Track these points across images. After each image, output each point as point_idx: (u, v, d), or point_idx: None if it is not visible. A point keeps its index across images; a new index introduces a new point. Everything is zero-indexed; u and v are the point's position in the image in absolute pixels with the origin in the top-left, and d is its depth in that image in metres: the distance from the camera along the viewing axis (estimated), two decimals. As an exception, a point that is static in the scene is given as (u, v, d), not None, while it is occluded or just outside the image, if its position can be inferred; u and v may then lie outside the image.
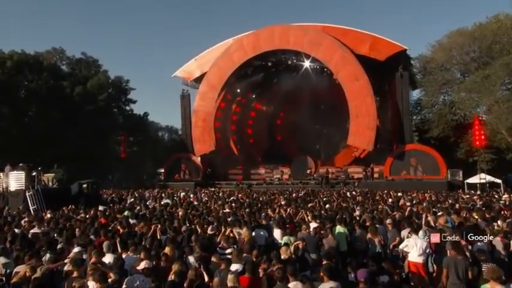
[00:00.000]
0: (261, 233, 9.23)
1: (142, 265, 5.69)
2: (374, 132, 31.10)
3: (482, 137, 30.56)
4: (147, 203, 17.32)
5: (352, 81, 31.96)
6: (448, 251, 6.96)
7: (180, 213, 12.46)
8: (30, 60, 40.41)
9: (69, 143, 38.09)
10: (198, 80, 39.11)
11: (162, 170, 47.98)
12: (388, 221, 9.50)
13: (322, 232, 8.97)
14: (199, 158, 38.62)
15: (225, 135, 40.64)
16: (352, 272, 6.14)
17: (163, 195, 23.32)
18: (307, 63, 36.12)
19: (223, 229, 8.60)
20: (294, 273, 5.41)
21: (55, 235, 8.50)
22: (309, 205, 14.84)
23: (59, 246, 7.17)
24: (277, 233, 9.58)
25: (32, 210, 15.47)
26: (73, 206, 13.88)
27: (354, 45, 32.59)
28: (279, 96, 43.51)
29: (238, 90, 41.02)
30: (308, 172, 37.82)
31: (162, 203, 16.71)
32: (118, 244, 7.09)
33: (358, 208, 13.36)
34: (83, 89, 41.37)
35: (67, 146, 37.67)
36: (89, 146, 39.06)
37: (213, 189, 31.81)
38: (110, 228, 8.69)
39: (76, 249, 6.39)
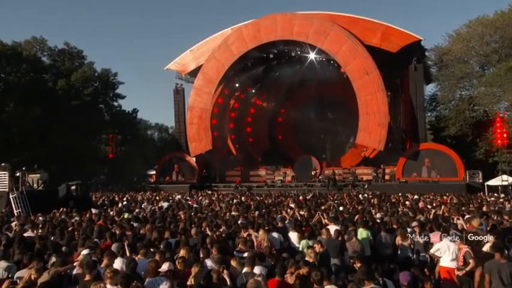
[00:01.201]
0: (276, 236, 9.22)
1: (165, 267, 5.68)
2: (385, 130, 31.22)
3: (504, 135, 30.62)
4: (143, 206, 17.36)
5: (361, 74, 32.06)
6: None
7: (183, 216, 12.53)
8: (8, 50, 40.10)
9: (51, 141, 37.89)
10: (193, 73, 39.11)
11: (153, 172, 48.16)
12: (415, 223, 9.53)
13: (344, 235, 9.05)
14: (194, 159, 38.63)
15: (222, 133, 40.68)
16: (380, 278, 6.17)
17: (157, 198, 23.40)
18: (312, 55, 36.18)
19: (242, 232, 8.61)
20: (328, 277, 5.45)
21: (52, 238, 8.48)
22: (322, 207, 14.89)
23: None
24: (293, 236, 9.61)
25: (16, 214, 15.39)
26: (65, 209, 13.78)
27: (363, 36, 32.68)
28: (280, 91, 43.65)
29: (237, 85, 41.09)
30: (313, 173, 37.94)
31: (159, 205, 16.72)
32: (126, 247, 7.07)
33: (375, 211, 13.42)
34: (66, 83, 41.13)
35: (48, 145, 37.47)
36: (73, 145, 38.86)
37: (209, 192, 31.79)
38: (113, 231, 8.64)
39: (85, 251, 6.38)
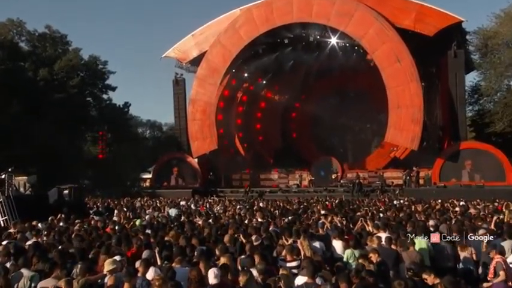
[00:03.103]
0: (317, 245, 9.31)
1: (214, 278, 5.73)
2: (420, 126, 31.13)
3: None
4: (147, 213, 17.53)
5: (391, 62, 32.01)
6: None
7: (201, 222, 12.68)
8: (-20, 35, 40.26)
9: (30, 140, 37.90)
10: (196, 61, 39.17)
11: (148, 175, 48.30)
12: (482, 231, 9.56)
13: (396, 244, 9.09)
14: (196, 160, 38.70)
15: (228, 131, 40.76)
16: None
17: (158, 204, 23.56)
18: (333, 40, 36.16)
19: (284, 239, 8.76)
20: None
21: (60, 247, 8.59)
22: (357, 214, 14.99)
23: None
24: (337, 245, 9.75)
25: (1, 222, 15.48)
26: (63, 216, 13.88)
27: (394, 17, 32.60)
28: (295, 82, 43.65)
29: (246, 75, 41.14)
30: (333, 177, 38.01)
31: (169, 212, 16.88)
32: (157, 255, 7.18)
33: (424, 218, 13.47)
34: (48, 72, 41.16)
35: (28, 144, 37.45)
36: (56, 144, 38.85)
37: (215, 198, 31.84)
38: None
39: (117, 258, 6.45)
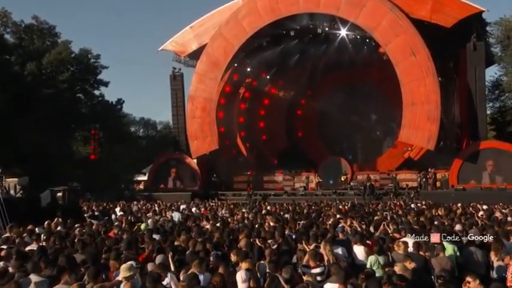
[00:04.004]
0: (339, 251, 9.34)
1: (243, 282, 5.75)
2: (437, 124, 31.10)
3: None
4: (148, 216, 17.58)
5: (406, 55, 31.99)
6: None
7: (209, 227, 12.73)
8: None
9: (17, 139, 37.87)
10: (195, 55, 39.15)
11: (142, 178, 48.36)
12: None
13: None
14: (195, 161, 38.70)
15: (230, 129, 40.81)
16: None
17: (156, 208, 23.64)
18: (343, 32, 36.15)
19: (304, 244, 8.98)
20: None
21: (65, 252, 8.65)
22: (375, 218, 15.04)
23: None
24: (358, 250, 9.80)
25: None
26: (60, 220, 13.93)
27: (409, 7, 32.50)
28: (301, 77, 43.82)
29: (249, 69, 41.19)
30: (342, 179, 38.03)
31: (171, 215, 16.97)
32: (171, 260, 7.22)
33: (447, 222, 13.49)
34: (36, 67, 41.12)
35: (14, 144, 37.44)
36: (44, 143, 38.85)
37: (216, 201, 31.91)
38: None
39: (133, 263, 6.47)
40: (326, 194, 35.24)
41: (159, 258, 7.06)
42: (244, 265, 7.01)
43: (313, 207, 22.23)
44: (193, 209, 23.13)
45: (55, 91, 41.04)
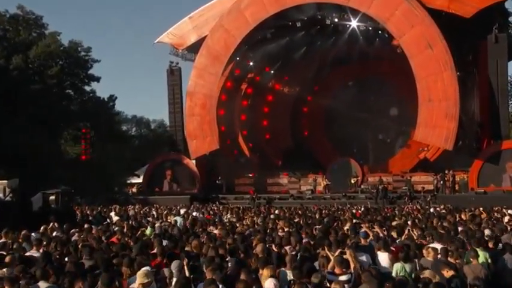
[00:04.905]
0: (363, 258, 9.35)
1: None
2: (455, 122, 31.13)
3: None
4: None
5: (422, 48, 32.05)
6: None
7: (217, 231, 12.80)
8: None
9: (2, 138, 37.88)
10: (194, 47, 39.26)
11: (137, 180, 48.29)
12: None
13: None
14: (194, 162, 38.74)
15: (231, 128, 40.90)
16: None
17: (154, 213, 23.75)
18: (354, 23, 36.24)
19: (327, 250, 9.04)
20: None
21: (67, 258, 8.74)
22: (393, 223, 15.08)
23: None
24: (383, 257, 9.75)
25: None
26: (56, 224, 13.97)
27: (425, -4, 32.64)
28: (308, 72, 43.83)
29: (251, 64, 41.28)
30: (352, 182, 38.07)
31: (174, 220, 17.04)
32: (186, 267, 7.31)
33: (471, 227, 13.50)
34: (22, 60, 41.06)
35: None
36: (31, 142, 38.83)
37: (217, 205, 31.93)
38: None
39: (149, 269, 6.52)
40: (335, 197, 35.25)
41: (174, 265, 7.08)
42: (266, 272, 7.06)
43: (323, 211, 22.25)
44: (194, 213, 23.13)
45: (43, 87, 40.96)
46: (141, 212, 24.50)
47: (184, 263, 7.37)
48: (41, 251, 9.55)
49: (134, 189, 47.65)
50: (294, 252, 9.40)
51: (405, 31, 32.73)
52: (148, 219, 18.77)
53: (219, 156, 39.04)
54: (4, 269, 7.06)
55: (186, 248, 9.53)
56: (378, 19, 33.79)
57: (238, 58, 39.15)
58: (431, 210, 22.30)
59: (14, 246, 9.88)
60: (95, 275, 6.78)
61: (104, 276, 6.40)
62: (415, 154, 39.60)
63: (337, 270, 7.73)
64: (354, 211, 21.26)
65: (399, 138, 44.41)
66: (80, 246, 9.59)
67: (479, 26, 32.16)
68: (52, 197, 20.01)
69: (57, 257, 8.70)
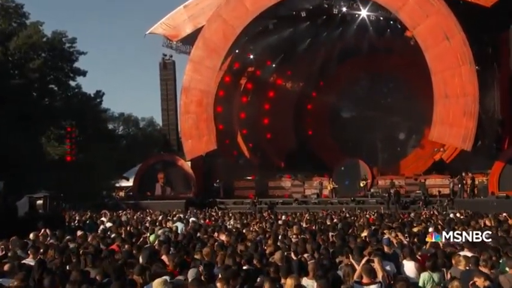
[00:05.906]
0: (388, 267, 9.43)
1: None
2: (475, 121, 31.13)
3: None
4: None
5: (438, 40, 32.03)
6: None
7: (225, 238, 12.87)
8: None
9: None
10: (189, 39, 39.27)
11: (126, 183, 48.27)
12: None
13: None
14: (189, 163, 38.73)
15: (230, 127, 40.93)
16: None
17: (148, 218, 23.80)
18: (363, 13, 36.43)
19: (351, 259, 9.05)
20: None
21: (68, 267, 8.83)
22: (414, 229, 15.16)
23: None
24: (409, 266, 9.84)
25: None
26: (47, 231, 14.00)
27: (442, -16, 32.72)
28: (312, 66, 43.92)
29: (252, 57, 41.36)
30: (362, 185, 38.08)
31: (175, 226, 17.15)
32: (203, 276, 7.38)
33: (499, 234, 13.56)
34: (2, 53, 41.09)
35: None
36: (11, 142, 38.84)
37: (216, 210, 31.99)
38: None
39: (167, 278, 6.61)
40: (343, 202, 35.30)
41: (191, 273, 7.16)
42: (290, 282, 7.17)
43: (333, 217, 22.31)
44: (192, 219, 23.16)
45: (24, 81, 40.99)
46: (135, 217, 24.41)
47: (201, 271, 7.45)
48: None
49: (121, 193, 47.70)
50: (313, 261, 9.46)
51: (419, 21, 32.69)
52: (146, 225, 18.75)
53: (216, 157, 39.14)
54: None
55: (196, 256, 9.62)
56: (389, 8, 33.70)
57: (237, 51, 39.16)
58: (451, 215, 22.31)
59: (9, 254, 9.91)
60: (104, 284, 6.84)
61: (116, 285, 6.45)
62: (430, 155, 39.75)
63: (364, 280, 7.82)
64: (367, 216, 21.31)
65: (412, 138, 44.51)
66: (81, 253, 9.64)
67: (501, 16, 32.11)
68: (39, 202, 20.10)
69: (60, 265, 8.76)
